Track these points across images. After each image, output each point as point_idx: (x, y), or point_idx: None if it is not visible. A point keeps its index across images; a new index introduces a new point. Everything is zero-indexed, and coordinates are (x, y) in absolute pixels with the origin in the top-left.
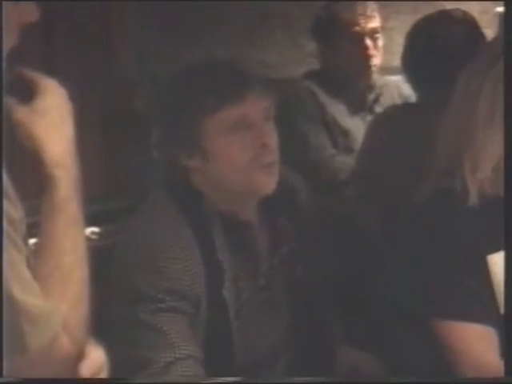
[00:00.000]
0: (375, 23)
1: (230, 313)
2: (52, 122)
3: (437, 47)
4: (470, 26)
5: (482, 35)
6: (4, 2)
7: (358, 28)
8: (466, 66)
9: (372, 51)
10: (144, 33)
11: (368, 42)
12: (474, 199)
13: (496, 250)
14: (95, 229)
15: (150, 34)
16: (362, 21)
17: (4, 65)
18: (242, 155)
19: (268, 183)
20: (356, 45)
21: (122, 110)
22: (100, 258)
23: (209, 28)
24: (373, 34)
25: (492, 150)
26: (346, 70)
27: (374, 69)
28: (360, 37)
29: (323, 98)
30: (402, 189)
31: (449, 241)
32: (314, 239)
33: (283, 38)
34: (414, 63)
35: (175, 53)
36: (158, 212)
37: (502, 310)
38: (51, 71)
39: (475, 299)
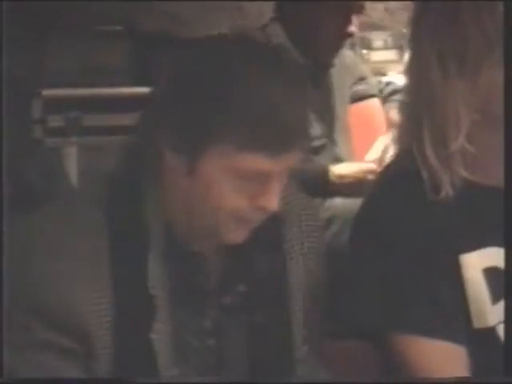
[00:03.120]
0: None
1: (158, 363)
2: None
3: None
4: None
5: None
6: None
7: None
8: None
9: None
10: None
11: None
12: (447, 188)
13: (471, 249)
14: None
15: None
16: None
17: None
18: (230, 200)
19: (240, 237)
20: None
21: None
22: None
23: None
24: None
25: (459, 111)
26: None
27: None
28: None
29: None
30: None
31: (409, 238)
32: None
33: None
34: None
35: None
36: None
37: (477, 324)
38: None
39: (441, 310)
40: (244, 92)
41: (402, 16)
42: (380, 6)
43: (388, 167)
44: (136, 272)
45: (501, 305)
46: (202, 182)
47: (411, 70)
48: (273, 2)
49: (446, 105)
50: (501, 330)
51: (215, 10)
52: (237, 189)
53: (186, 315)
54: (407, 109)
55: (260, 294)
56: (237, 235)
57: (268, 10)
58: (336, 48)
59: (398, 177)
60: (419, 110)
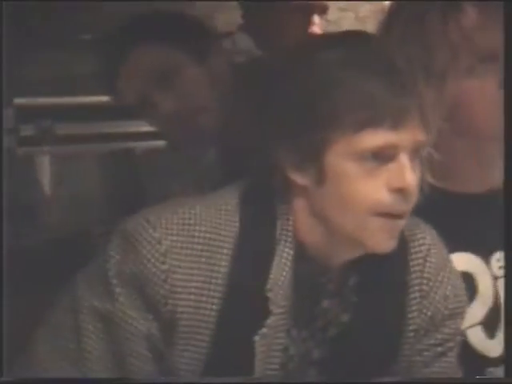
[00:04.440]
0: None
1: (254, 365)
2: None
3: None
4: None
5: None
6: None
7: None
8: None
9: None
10: None
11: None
12: (424, 190)
13: None
14: None
15: None
16: None
17: None
18: (367, 193)
19: (386, 243)
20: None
21: None
22: None
23: None
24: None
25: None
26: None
27: None
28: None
29: None
30: None
31: None
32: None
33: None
34: None
35: None
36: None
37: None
38: None
39: None
40: (344, 78)
41: (373, 25)
42: (351, 14)
43: None
44: (255, 271)
45: (470, 309)
46: (334, 182)
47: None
48: (239, 10)
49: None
50: (471, 334)
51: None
52: (368, 172)
53: (295, 324)
54: None
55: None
56: (384, 239)
57: (237, 18)
58: None
59: None
60: None
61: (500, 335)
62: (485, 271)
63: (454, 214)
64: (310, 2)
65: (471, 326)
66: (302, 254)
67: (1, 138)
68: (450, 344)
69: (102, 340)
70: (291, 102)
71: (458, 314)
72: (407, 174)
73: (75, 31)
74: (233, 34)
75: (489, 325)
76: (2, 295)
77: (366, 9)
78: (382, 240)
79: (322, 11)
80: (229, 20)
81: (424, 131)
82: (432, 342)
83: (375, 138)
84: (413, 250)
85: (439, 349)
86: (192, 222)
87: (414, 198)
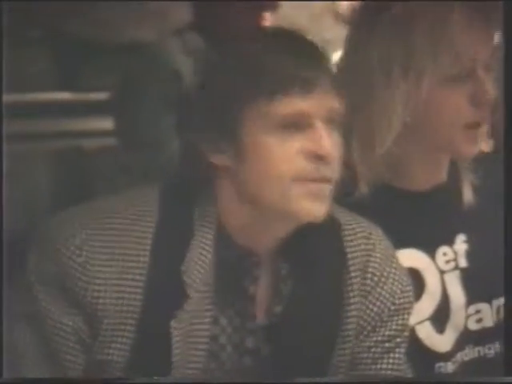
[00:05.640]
0: None
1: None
2: None
3: None
4: None
5: None
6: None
7: None
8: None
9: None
10: None
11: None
12: (363, 188)
13: None
14: None
15: None
16: None
17: None
18: (287, 162)
19: (314, 208)
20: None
21: None
22: None
23: None
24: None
25: (391, 117)
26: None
27: None
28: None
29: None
30: None
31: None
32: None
33: None
34: None
35: None
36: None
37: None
38: None
39: None
40: (254, 52)
41: (327, 22)
42: (305, 12)
43: None
44: (174, 257)
45: (418, 305)
46: (254, 157)
47: (349, 72)
48: (188, 7)
49: (383, 107)
50: (419, 330)
51: (140, 15)
52: (284, 141)
53: (217, 311)
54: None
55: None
56: (312, 207)
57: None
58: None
59: None
60: (352, 111)
61: (449, 329)
62: (431, 266)
63: (400, 211)
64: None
65: (420, 322)
66: (225, 239)
67: (1, 129)
68: (398, 340)
69: (32, 342)
70: (205, 87)
71: (405, 309)
72: (323, 139)
73: (28, 27)
74: (182, 30)
75: (437, 320)
76: (1, 294)
77: (319, 6)
78: (308, 206)
79: (273, 8)
80: (179, 18)
81: (337, 99)
82: (380, 338)
83: (286, 106)
84: (352, 244)
85: (387, 345)
86: (106, 215)
87: (336, 164)
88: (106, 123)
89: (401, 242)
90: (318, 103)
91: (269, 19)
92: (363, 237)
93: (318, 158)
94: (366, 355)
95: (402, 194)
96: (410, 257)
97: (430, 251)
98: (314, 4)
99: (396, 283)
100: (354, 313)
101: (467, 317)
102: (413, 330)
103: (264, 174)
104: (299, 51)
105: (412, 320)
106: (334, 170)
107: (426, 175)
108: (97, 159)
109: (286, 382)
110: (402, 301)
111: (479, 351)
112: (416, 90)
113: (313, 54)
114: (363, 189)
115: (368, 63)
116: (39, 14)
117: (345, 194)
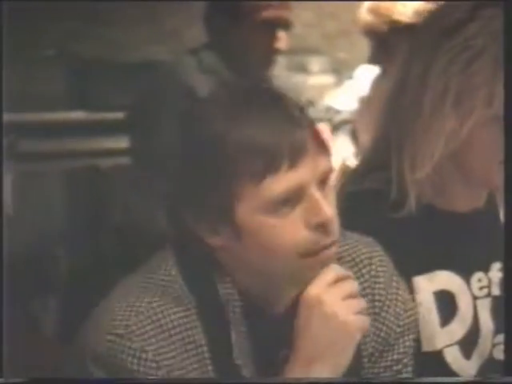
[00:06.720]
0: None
1: None
2: None
3: None
4: None
5: None
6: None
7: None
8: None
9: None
10: None
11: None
12: (411, 205)
13: (423, 271)
14: None
15: None
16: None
17: None
18: (289, 238)
19: (327, 273)
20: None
21: None
22: None
23: None
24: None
25: (435, 144)
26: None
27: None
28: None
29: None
30: None
31: None
32: None
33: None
34: None
35: None
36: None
37: (425, 347)
38: None
39: None
40: (229, 130)
41: (340, 41)
42: (317, 30)
43: (351, 184)
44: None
45: (449, 328)
46: (251, 236)
47: (397, 99)
48: (204, 26)
49: (429, 135)
50: (447, 354)
51: (151, 35)
52: (283, 218)
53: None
54: (385, 132)
55: None
56: (318, 273)
57: (202, 33)
58: (266, 64)
59: (362, 193)
60: (400, 135)
61: (475, 356)
62: (465, 291)
63: (439, 232)
64: (274, 18)
65: (449, 345)
66: (251, 306)
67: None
68: (405, 360)
69: None
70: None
71: (409, 329)
72: (322, 207)
73: (40, 47)
74: (198, 49)
75: (466, 345)
76: (1, 294)
77: (332, 25)
78: (317, 274)
79: (287, 26)
80: (195, 37)
81: (326, 157)
82: (388, 363)
83: (277, 185)
84: (360, 273)
85: (395, 367)
86: (159, 315)
87: (336, 226)
88: (122, 142)
89: (438, 264)
90: (310, 169)
91: (283, 38)
92: (364, 266)
93: (321, 225)
94: (375, 381)
95: (443, 215)
96: (446, 279)
97: (466, 276)
98: (327, 23)
99: (400, 304)
100: (367, 340)
101: (493, 345)
102: (441, 353)
103: (266, 253)
104: (278, 117)
105: (441, 343)
106: (335, 233)
107: (466, 197)
108: (112, 178)
109: (286, 382)
110: (405, 321)
111: None
112: (462, 122)
113: (294, 115)
114: (411, 205)
115: (423, 90)
116: (54, 33)
117: (393, 209)
